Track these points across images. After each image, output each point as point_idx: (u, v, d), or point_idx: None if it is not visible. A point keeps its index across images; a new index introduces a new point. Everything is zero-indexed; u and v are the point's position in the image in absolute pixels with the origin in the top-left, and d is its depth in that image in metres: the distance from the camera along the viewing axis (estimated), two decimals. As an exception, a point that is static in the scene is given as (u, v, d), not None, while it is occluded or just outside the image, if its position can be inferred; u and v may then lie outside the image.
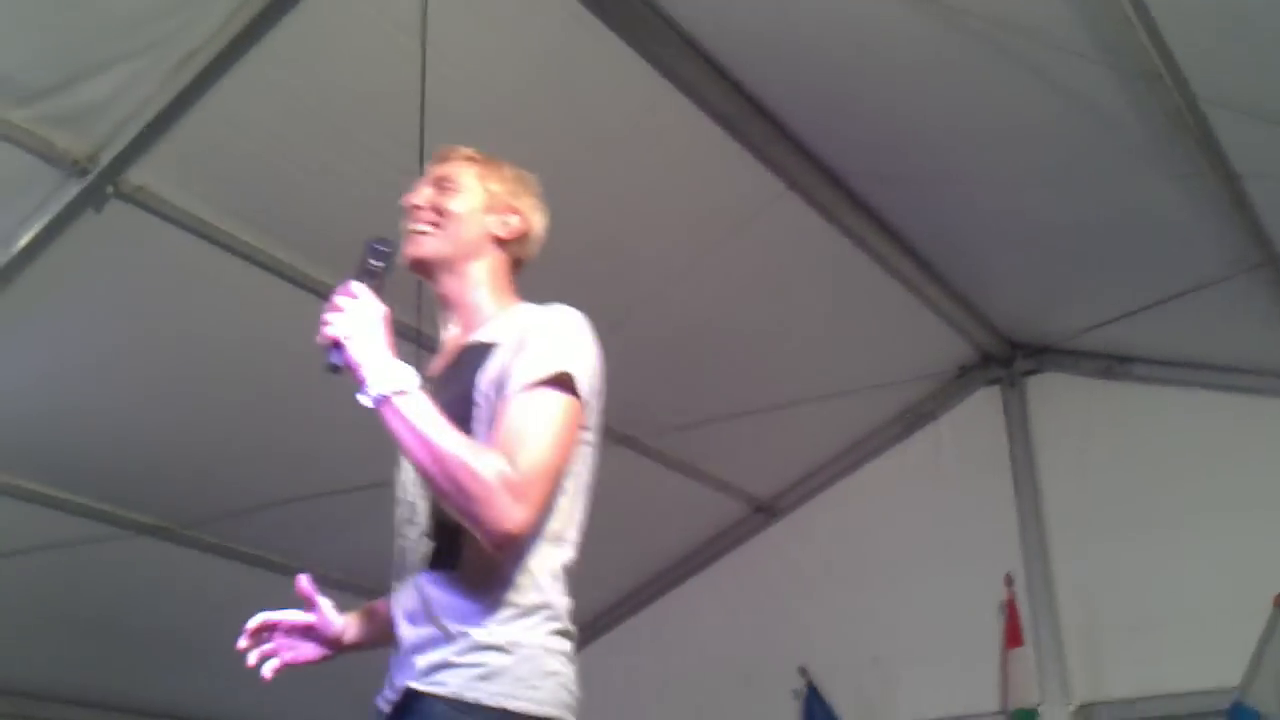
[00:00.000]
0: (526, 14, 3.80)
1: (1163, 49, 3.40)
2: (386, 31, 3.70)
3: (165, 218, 4.02)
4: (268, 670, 2.30)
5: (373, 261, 2.06)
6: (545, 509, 2.02)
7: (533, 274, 4.60)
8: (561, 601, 2.07)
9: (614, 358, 4.98)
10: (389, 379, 1.94)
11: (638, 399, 5.42)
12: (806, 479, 6.26)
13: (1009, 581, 5.60)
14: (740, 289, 4.98)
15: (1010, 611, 5.56)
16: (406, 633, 2.06)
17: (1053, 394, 5.83)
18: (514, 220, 2.32)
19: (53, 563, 4.84)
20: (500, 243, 2.30)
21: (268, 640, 2.33)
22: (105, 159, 3.78)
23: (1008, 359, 5.88)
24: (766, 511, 6.38)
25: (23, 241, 3.90)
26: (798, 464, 6.19)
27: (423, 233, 2.25)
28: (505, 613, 2.00)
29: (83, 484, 4.87)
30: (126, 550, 5.00)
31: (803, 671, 5.96)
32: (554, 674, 2.01)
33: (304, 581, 2.31)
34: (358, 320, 1.97)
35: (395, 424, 1.94)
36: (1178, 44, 3.40)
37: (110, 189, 3.83)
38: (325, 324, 1.98)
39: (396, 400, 1.93)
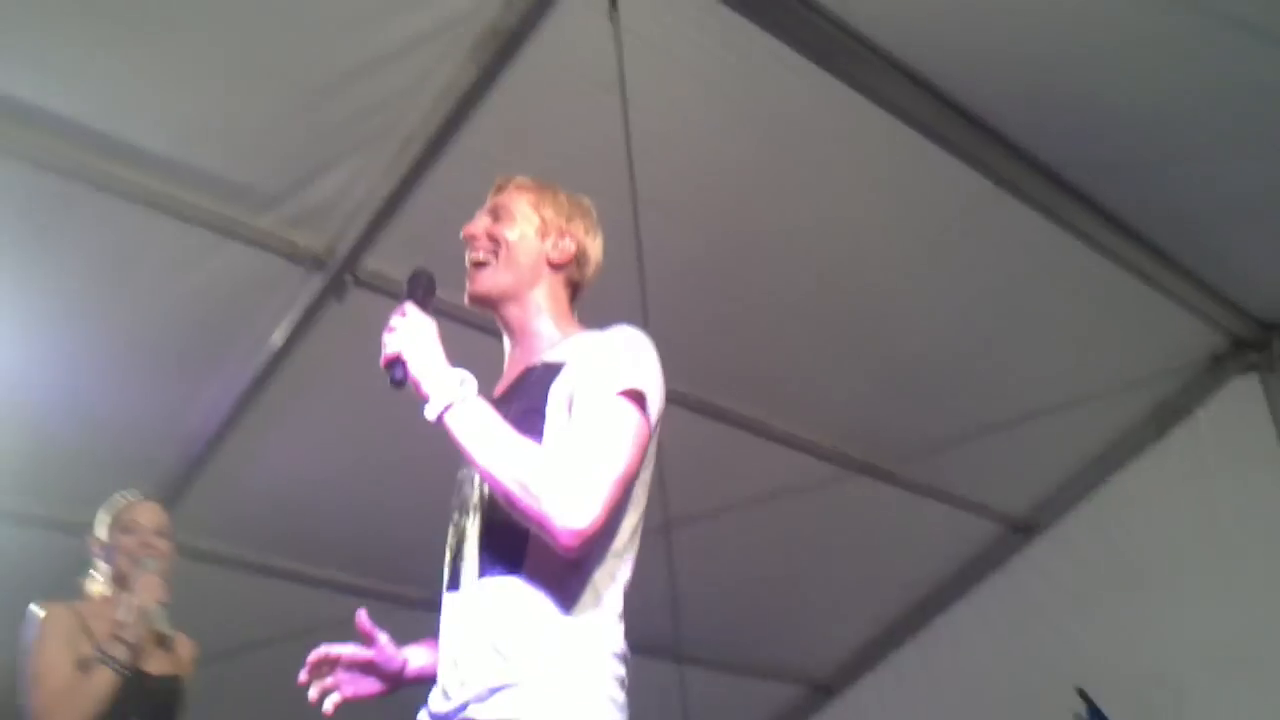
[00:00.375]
0: (721, 55, 3.85)
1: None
2: (587, 92, 3.82)
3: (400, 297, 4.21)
4: (329, 705, 2.33)
5: (415, 289, 2.21)
6: (613, 517, 2.00)
7: (759, 318, 4.70)
8: (619, 623, 2.07)
9: (847, 388, 5.04)
10: (448, 389, 2.01)
11: (875, 426, 5.38)
12: (1061, 491, 6.02)
13: (1292, 583, 5.23)
14: (966, 301, 4.88)
15: (1301, 611, 5.20)
16: (460, 647, 2.05)
17: (1319, 375, 5.46)
18: (568, 244, 2.36)
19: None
20: (556, 267, 2.34)
21: (328, 675, 2.35)
22: (342, 251, 4.01)
23: (1263, 342, 5.52)
24: (1024, 529, 6.16)
25: (278, 339, 4.16)
26: (1050, 476, 5.96)
27: (481, 263, 2.32)
28: (566, 635, 1.99)
29: (350, 563, 5.11)
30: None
31: (1082, 694, 5.68)
32: (612, 699, 2.00)
33: (363, 617, 2.35)
34: (413, 337, 2.08)
35: (458, 430, 2.00)
36: None
37: (349, 278, 4.05)
38: (384, 345, 2.09)
39: (458, 408, 2.00)
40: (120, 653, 3.20)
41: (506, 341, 2.35)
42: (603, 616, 2.04)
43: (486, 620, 2.02)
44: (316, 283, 4.09)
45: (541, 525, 1.94)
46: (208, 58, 3.52)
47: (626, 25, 3.63)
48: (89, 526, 4.66)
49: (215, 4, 3.40)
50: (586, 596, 2.03)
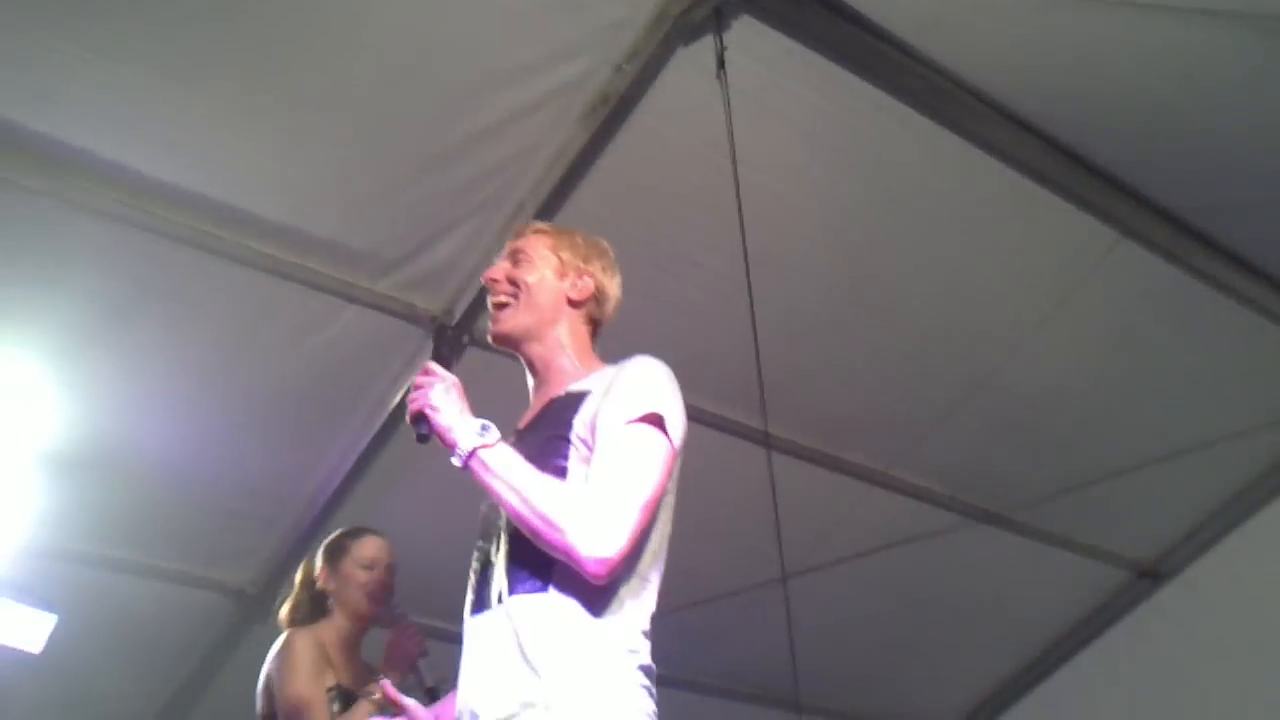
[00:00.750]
0: (827, 109, 3.86)
1: None
2: (697, 151, 3.86)
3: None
4: None
5: (441, 346, 2.26)
6: (641, 540, 2.05)
7: (873, 367, 4.67)
8: (646, 640, 2.10)
9: (966, 433, 4.98)
10: (470, 437, 2.07)
11: (997, 473, 5.30)
12: (1191, 536, 5.85)
13: None
14: (1090, 347, 4.80)
15: None
16: (488, 665, 2.06)
17: None
18: (586, 283, 2.40)
19: None
20: (576, 305, 2.39)
21: None
22: (459, 311, 4.08)
23: (1400, 382, 5.35)
24: (1151, 575, 5.99)
25: (398, 399, 4.25)
26: (1178, 521, 5.80)
27: (502, 304, 2.38)
28: (595, 648, 2.01)
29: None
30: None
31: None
32: (643, 710, 2.03)
33: (388, 687, 2.47)
34: (437, 393, 2.15)
35: (482, 475, 2.07)
36: None
37: (466, 338, 4.12)
38: (411, 401, 2.17)
39: (481, 454, 2.06)
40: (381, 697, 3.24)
41: (531, 381, 2.40)
42: (629, 631, 2.07)
43: (516, 636, 2.04)
44: (432, 341, 4.17)
45: (569, 556, 1.99)
46: (326, 130, 3.64)
47: (734, 85, 3.66)
48: (215, 582, 4.84)
49: (331, 79, 3.51)
50: (613, 612, 2.06)
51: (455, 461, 2.10)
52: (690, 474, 5.05)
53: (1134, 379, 4.95)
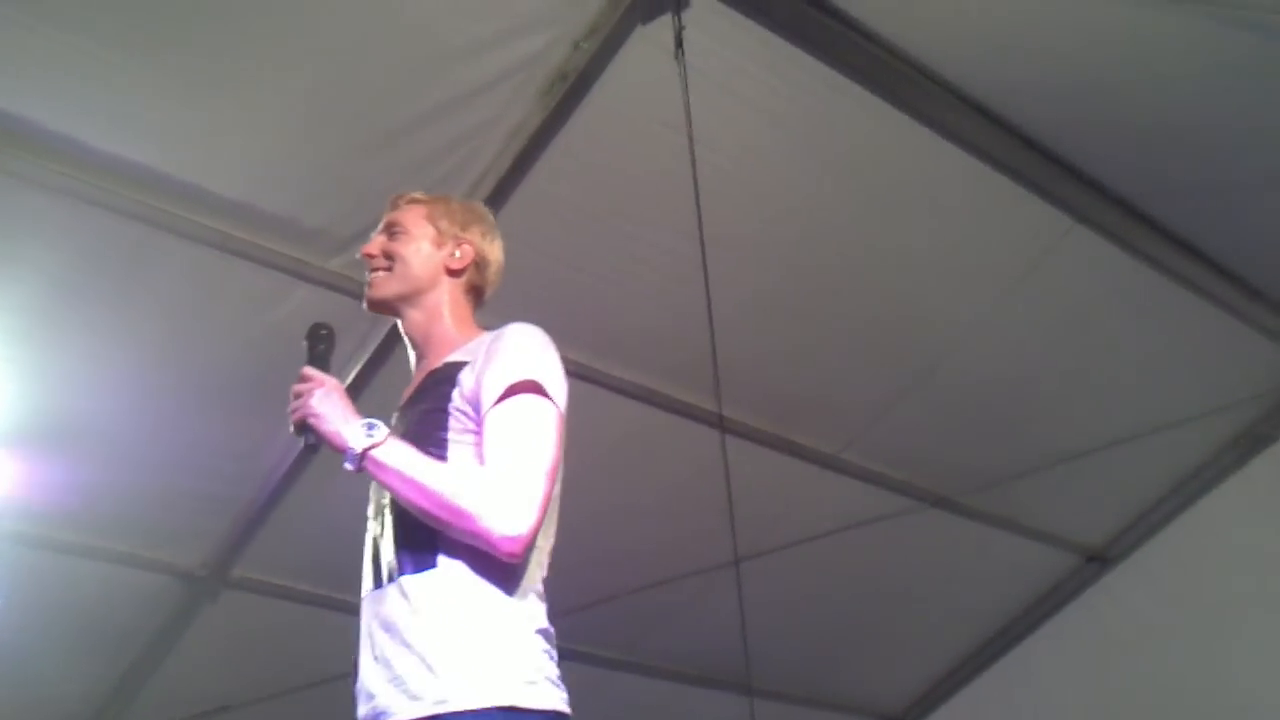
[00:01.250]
0: (785, 91, 3.86)
1: None
2: (655, 130, 3.85)
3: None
4: None
5: (316, 345, 2.24)
6: (549, 509, 2.06)
7: (829, 351, 4.68)
8: (541, 601, 2.10)
9: (919, 417, 5.00)
10: (358, 439, 2.04)
11: (949, 457, 5.33)
12: (1139, 521, 5.92)
13: (1380, 612, 5.11)
14: (1043, 332, 4.84)
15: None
16: (383, 647, 2.04)
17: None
18: (465, 250, 2.38)
19: None
20: (455, 273, 2.37)
21: None
22: (412, 290, 4.03)
23: (1345, 369, 5.44)
24: (1099, 560, 6.07)
25: (349, 378, 4.21)
26: (1127, 507, 5.87)
27: (377, 277, 2.36)
28: (491, 619, 2.01)
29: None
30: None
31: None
32: (547, 676, 2.02)
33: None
34: (317, 399, 2.11)
35: (380, 475, 2.05)
36: None
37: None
38: (292, 412, 2.12)
39: (374, 454, 2.03)
40: None
41: (412, 354, 2.39)
42: (523, 597, 2.07)
43: (410, 615, 2.04)
44: (388, 321, 4.12)
45: (482, 540, 1.99)
46: (279, 104, 3.59)
47: (692, 64, 3.65)
48: (164, 564, 4.77)
49: (286, 52, 3.46)
50: (507, 579, 2.06)
51: (348, 466, 2.07)
52: (643, 455, 5.05)
53: (1085, 364, 5.00)
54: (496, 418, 2.08)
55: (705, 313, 3.96)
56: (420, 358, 2.36)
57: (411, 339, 2.39)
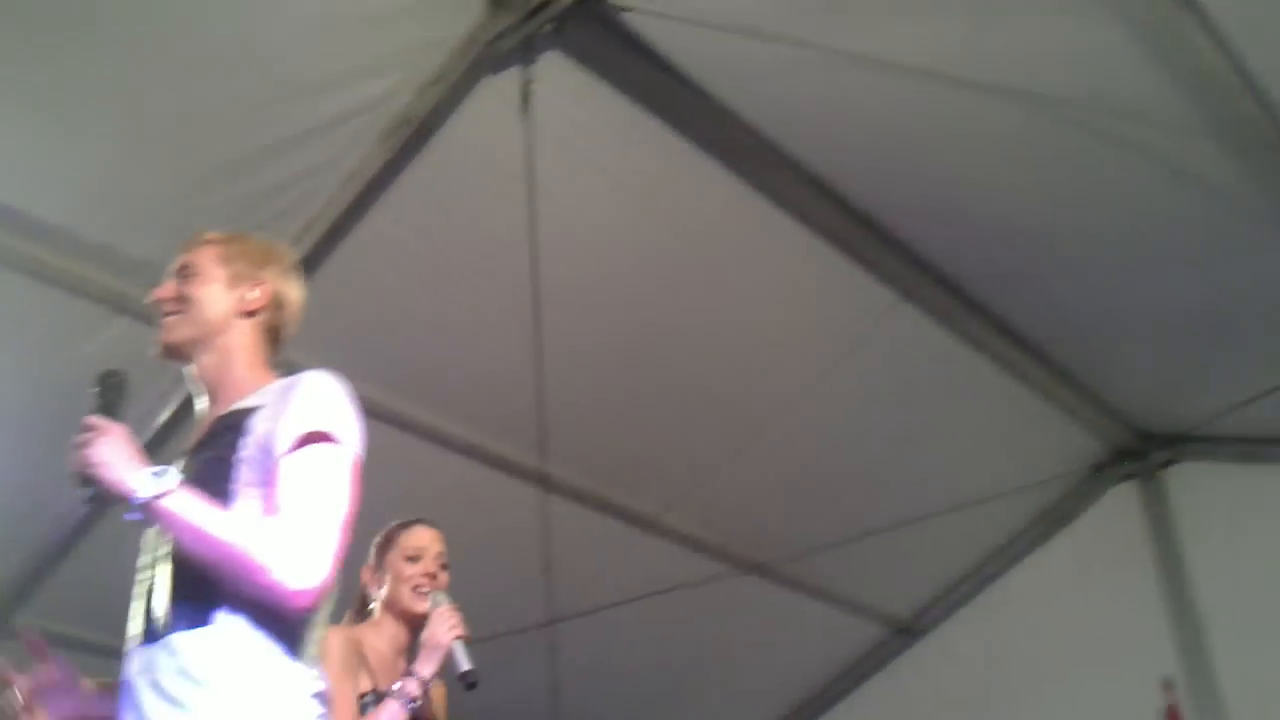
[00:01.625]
0: (627, 150, 3.89)
1: (1274, 116, 3.37)
2: (496, 182, 3.83)
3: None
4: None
5: (105, 393, 2.13)
6: (337, 566, 1.98)
7: (656, 414, 4.69)
8: (317, 665, 2.05)
9: (741, 483, 5.05)
10: (143, 487, 1.95)
11: (766, 525, 5.39)
12: (946, 594, 6.10)
13: (1168, 687, 5.33)
14: (865, 404, 4.95)
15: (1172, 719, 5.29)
16: (150, 707, 1.95)
17: (1193, 484, 5.63)
18: (259, 292, 2.33)
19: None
20: (250, 314, 2.31)
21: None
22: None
23: (1142, 452, 5.71)
24: (907, 632, 6.21)
25: (165, 418, 4.04)
26: (935, 579, 6.04)
27: (169, 321, 2.29)
28: (268, 679, 1.95)
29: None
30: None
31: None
32: None
33: (30, 633, 2.28)
34: (101, 448, 2.00)
35: (168, 525, 1.96)
36: (1289, 109, 3.37)
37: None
38: (73, 463, 2.01)
39: (160, 503, 1.94)
40: (415, 690, 2.92)
41: (203, 399, 2.29)
42: (304, 658, 2.01)
43: (177, 678, 1.94)
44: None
45: (273, 593, 1.91)
46: (106, 126, 3.43)
47: (537, 119, 3.64)
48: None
49: (122, 75, 3.32)
50: (287, 639, 1.99)
51: (131, 516, 1.97)
52: (463, 510, 4.94)
53: (903, 438, 5.13)
54: (289, 468, 2.00)
55: (535, 368, 3.93)
56: (211, 402, 2.26)
57: (205, 383, 2.28)
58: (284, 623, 1.96)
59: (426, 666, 2.98)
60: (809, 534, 5.42)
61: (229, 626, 1.95)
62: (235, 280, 2.30)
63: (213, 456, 2.08)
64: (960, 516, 5.41)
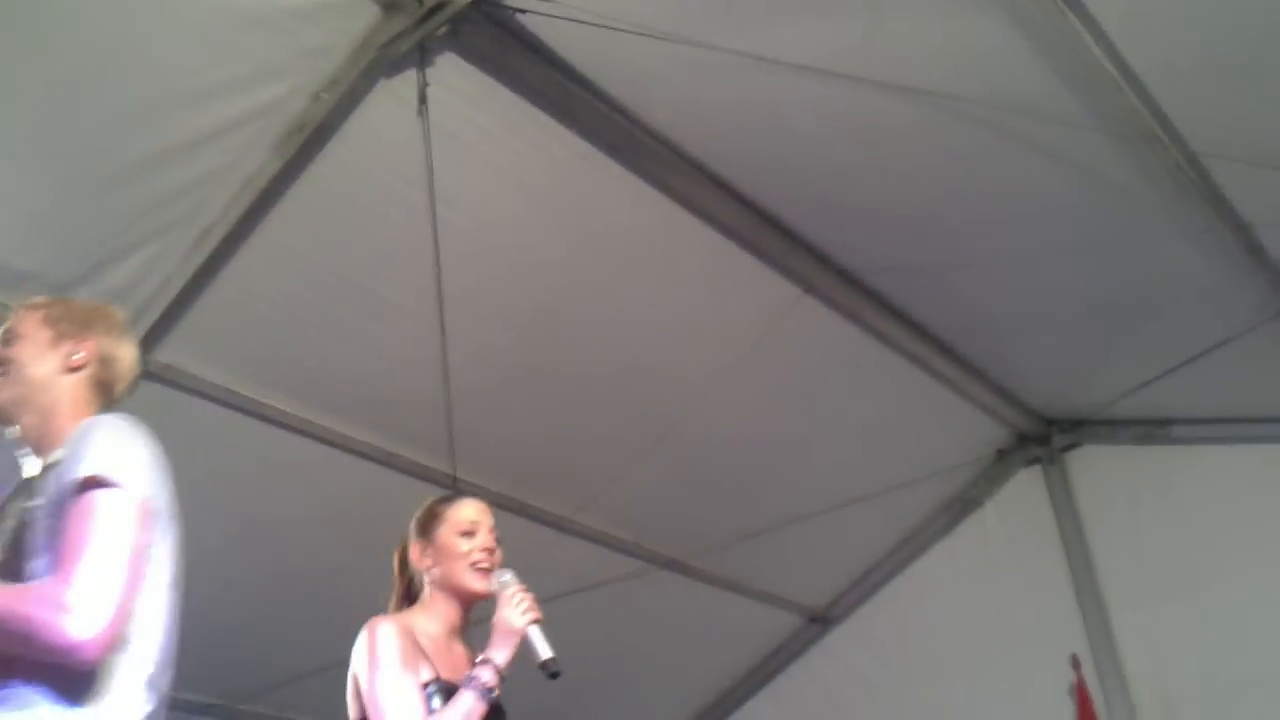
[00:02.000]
0: (529, 153, 3.87)
1: (1154, 109, 3.44)
2: (395, 186, 3.79)
3: (193, 392, 4.08)
4: None
5: None
6: (128, 604, 1.96)
7: (565, 413, 4.68)
8: (145, 693, 2.01)
9: (652, 480, 5.05)
10: None
11: (679, 520, 5.41)
12: (858, 583, 6.19)
13: (1076, 663, 5.47)
14: (771, 398, 4.99)
15: (1080, 694, 5.41)
16: None
17: (1094, 466, 5.77)
18: (82, 352, 2.31)
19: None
20: (73, 370, 2.29)
21: None
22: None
23: (1044, 437, 5.85)
24: (821, 621, 6.28)
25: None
26: (848, 569, 6.12)
27: None
28: None
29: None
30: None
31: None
32: None
33: None
34: None
35: None
36: (1169, 102, 3.45)
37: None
38: None
39: None
40: (491, 679, 2.71)
41: (30, 460, 2.24)
42: (117, 698, 1.97)
43: None
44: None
45: (57, 652, 1.88)
46: (-7, 136, 3.34)
47: (435, 122, 3.61)
48: None
49: (4, 79, 3.23)
50: (90, 695, 1.95)
51: None
52: (375, 517, 4.87)
53: (812, 430, 5.19)
54: (69, 518, 1.98)
55: (442, 372, 3.90)
56: (33, 457, 2.23)
57: (26, 439, 2.25)
58: (79, 678, 1.92)
59: (500, 653, 2.77)
60: (722, 528, 5.46)
61: (25, 696, 1.92)
62: (58, 340, 2.29)
63: (20, 518, 2.06)
64: (870, 506, 5.49)
